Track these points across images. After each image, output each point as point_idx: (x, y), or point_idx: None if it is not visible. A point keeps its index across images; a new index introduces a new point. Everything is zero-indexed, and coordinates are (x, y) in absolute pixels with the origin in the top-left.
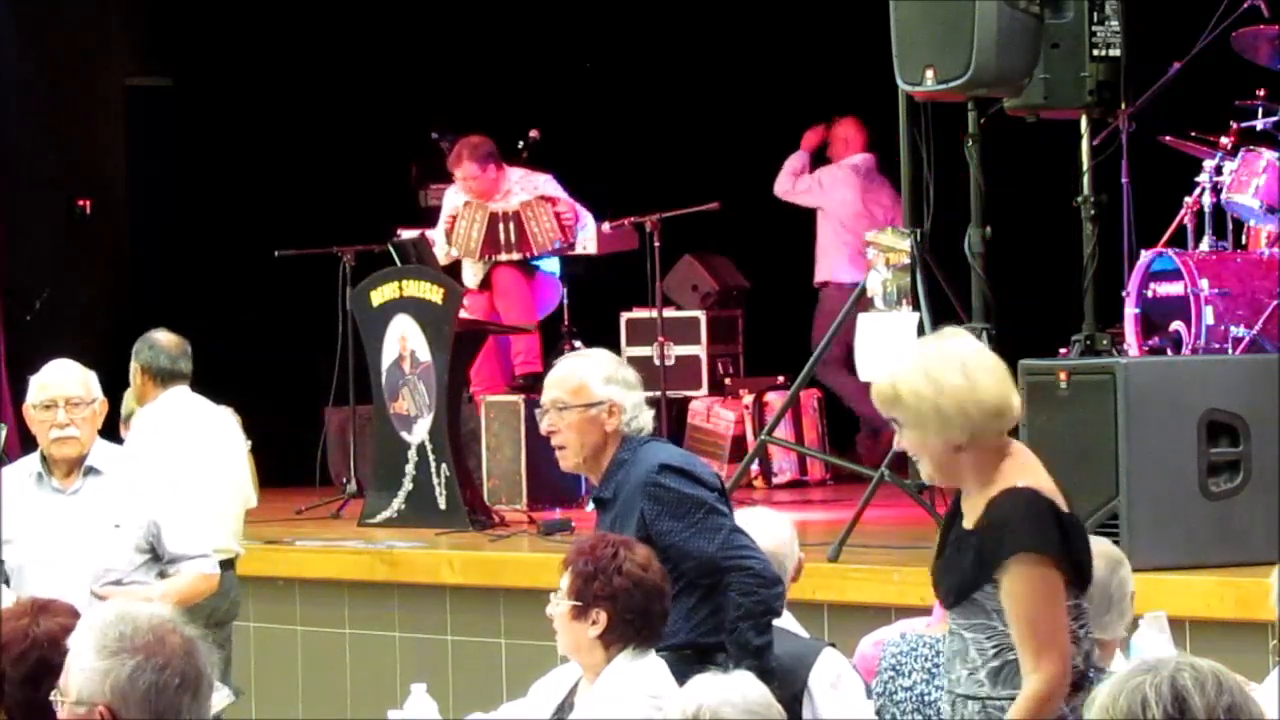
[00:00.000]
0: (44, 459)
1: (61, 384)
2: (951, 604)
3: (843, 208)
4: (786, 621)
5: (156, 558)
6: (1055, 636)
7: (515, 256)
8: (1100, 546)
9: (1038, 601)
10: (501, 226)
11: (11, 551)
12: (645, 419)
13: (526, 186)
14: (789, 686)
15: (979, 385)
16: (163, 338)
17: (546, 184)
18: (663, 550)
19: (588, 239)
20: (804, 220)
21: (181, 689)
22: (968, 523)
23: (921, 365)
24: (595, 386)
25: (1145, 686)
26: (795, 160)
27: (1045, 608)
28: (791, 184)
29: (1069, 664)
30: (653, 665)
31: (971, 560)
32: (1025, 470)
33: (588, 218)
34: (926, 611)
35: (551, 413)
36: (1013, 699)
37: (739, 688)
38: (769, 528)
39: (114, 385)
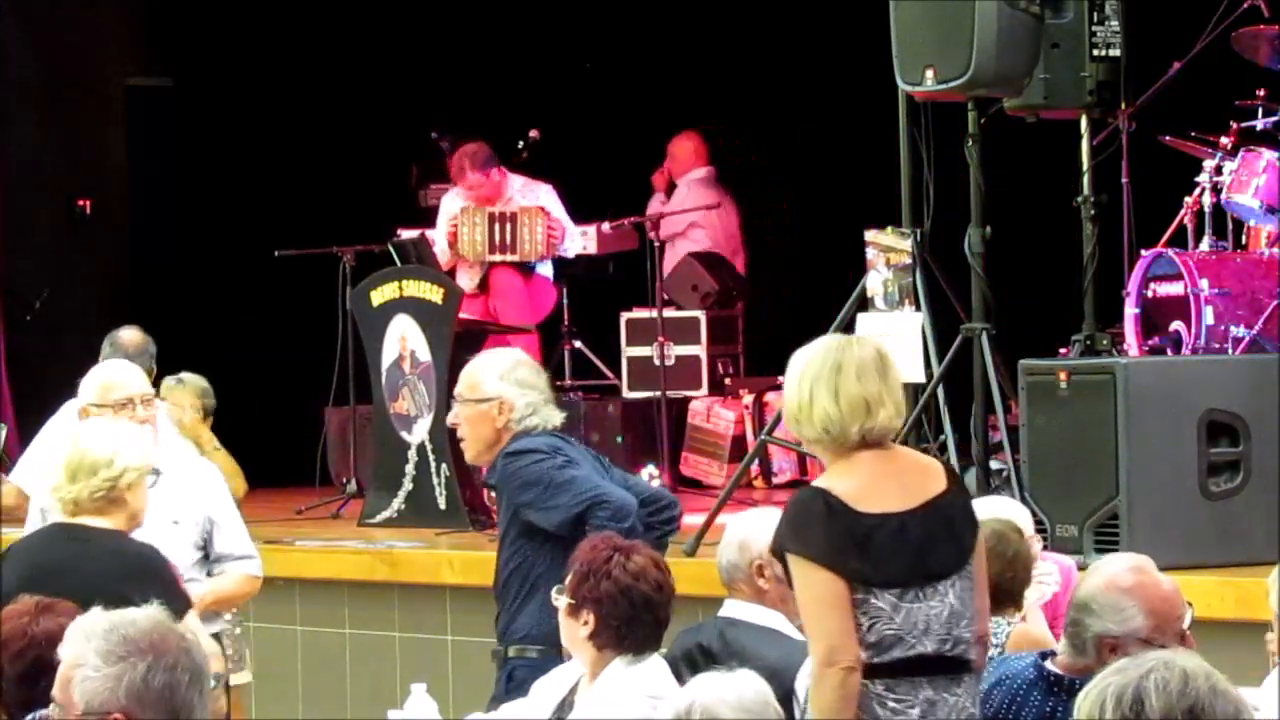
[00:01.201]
0: None
1: (133, 383)
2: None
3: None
4: (778, 622)
5: (207, 555)
6: (815, 622)
7: (509, 258)
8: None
9: (800, 592)
10: (497, 227)
11: None
12: (541, 417)
13: (528, 194)
14: (777, 688)
15: (816, 402)
16: (125, 336)
17: (547, 195)
18: (534, 526)
19: (588, 241)
20: (804, 220)
21: (191, 685)
22: None
23: (797, 364)
24: (487, 384)
25: (1109, 688)
26: (657, 204)
27: (804, 598)
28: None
29: (831, 648)
30: (653, 666)
31: None
32: (847, 471)
33: (574, 232)
34: None
35: (454, 407)
36: None
37: (736, 687)
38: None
39: None
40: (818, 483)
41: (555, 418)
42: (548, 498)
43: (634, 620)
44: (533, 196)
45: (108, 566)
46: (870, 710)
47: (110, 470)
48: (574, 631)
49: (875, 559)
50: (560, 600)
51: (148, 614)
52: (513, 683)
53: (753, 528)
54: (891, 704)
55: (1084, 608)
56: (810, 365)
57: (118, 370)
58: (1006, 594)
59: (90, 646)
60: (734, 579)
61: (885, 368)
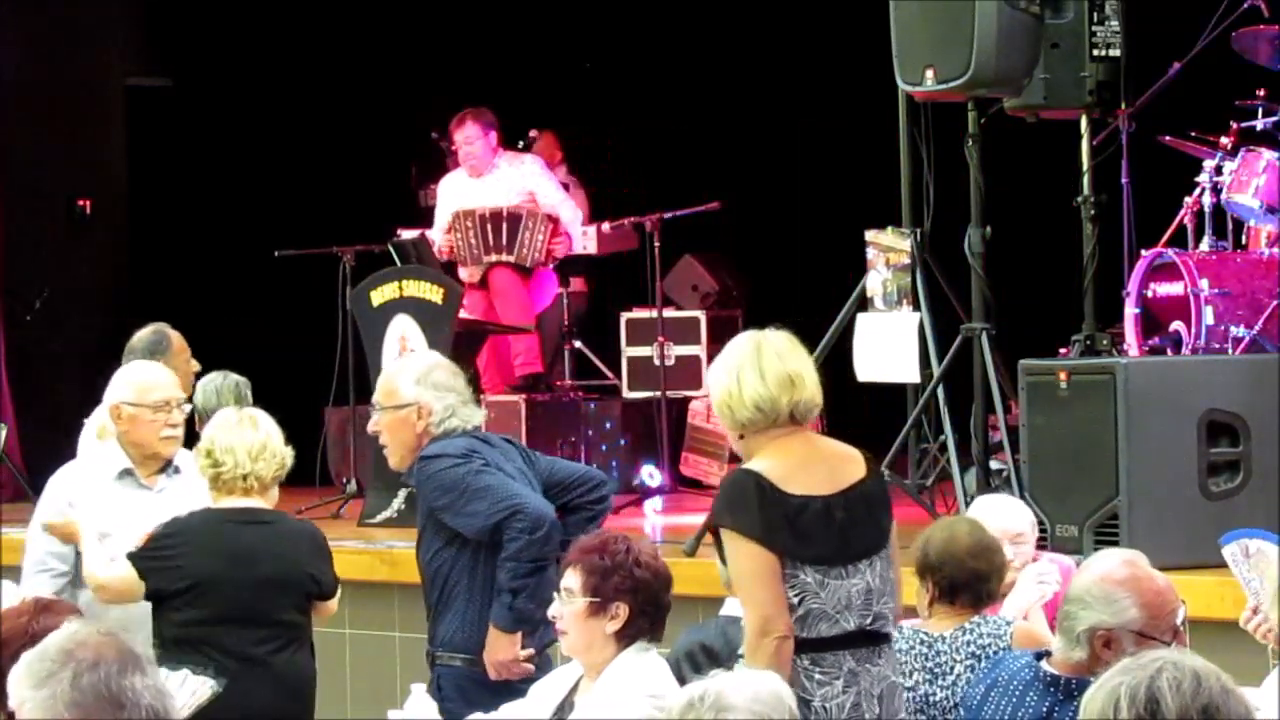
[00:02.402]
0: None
1: (171, 385)
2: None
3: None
4: None
5: None
6: (749, 595)
7: (505, 259)
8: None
9: (735, 566)
10: (491, 227)
11: (107, 546)
12: (460, 418)
13: (515, 165)
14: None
15: (745, 384)
16: (139, 336)
17: (533, 166)
18: (449, 530)
19: (588, 241)
20: (804, 220)
21: (124, 671)
22: None
23: (720, 361)
24: (404, 390)
25: (1121, 687)
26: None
27: (739, 572)
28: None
29: (766, 617)
30: (653, 665)
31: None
32: (776, 452)
33: (575, 225)
34: None
35: (373, 415)
36: None
37: (753, 681)
38: None
39: None
40: (749, 466)
41: (475, 417)
42: (463, 504)
43: (660, 603)
44: (518, 165)
45: (297, 546)
46: (799, 684)
47: (285, 451)
48: (594, 631)
49: (803, 536)
50: (572, 605)
51: (60, 630)
52: (442, 692)
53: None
54: (818, 676)
55: (1077, 600)
56: (732, 356)
57: (156, 372)
58: (986, 591)
59: (23, 684)
60: None
61: (800, 349)
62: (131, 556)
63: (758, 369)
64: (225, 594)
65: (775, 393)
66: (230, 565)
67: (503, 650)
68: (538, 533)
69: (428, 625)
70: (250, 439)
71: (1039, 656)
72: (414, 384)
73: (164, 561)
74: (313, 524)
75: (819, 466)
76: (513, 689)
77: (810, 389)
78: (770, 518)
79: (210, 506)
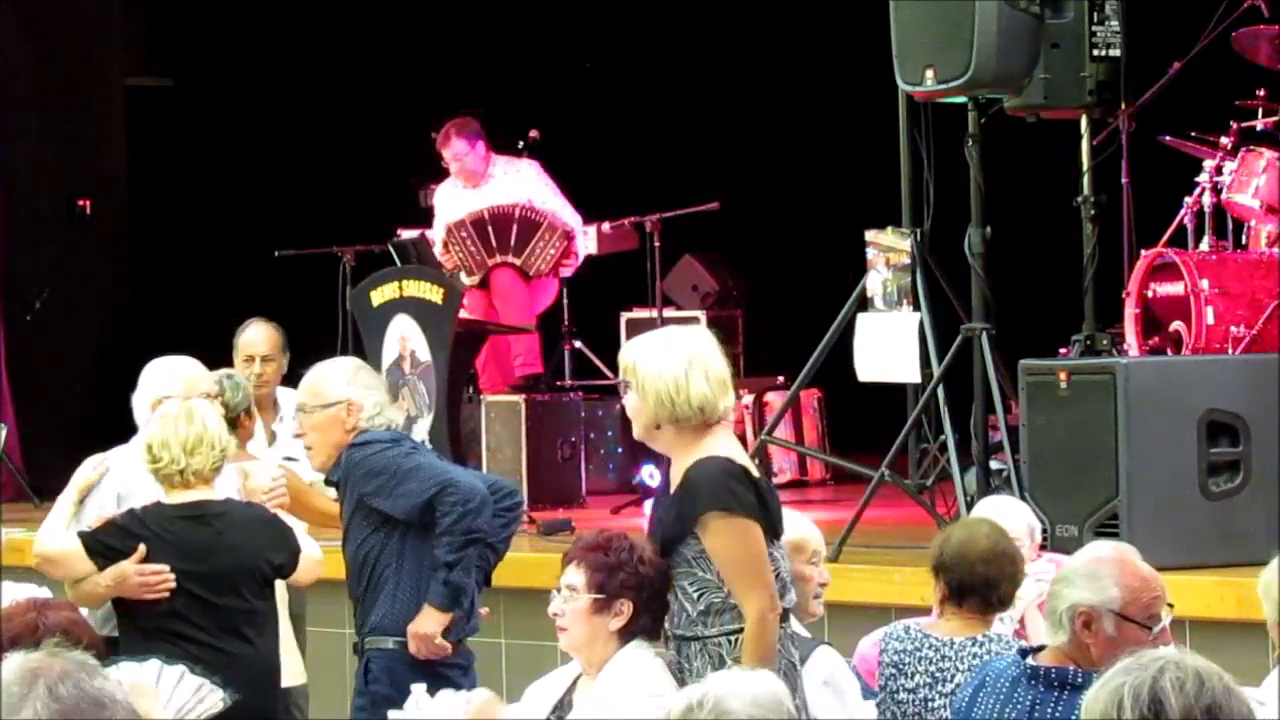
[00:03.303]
0: None
1: (208, 378)
2: (661, 554)
3: None
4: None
5: None
6: (759, 575)
7: (510, 259)
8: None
9: (736, 548)
10: (491, 229)
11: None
12: (386, 417)
13: (510, 172)
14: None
15: (692, 382)
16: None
17: (529, 171)
18: (379, 517)
19: (588, 241)
20: (804, 220)
21: (90, 675)
22: (673, 486)
23: (659, 352)
24: (334, 389)
25: (1124, 687)
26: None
27: (744, 552)
28: None
29: (774, 595)
30: (653, 664)
31: (674, 517)
32: (722, 444)
33: (577, 226)
34: (927, 611)
35: (299, 417)
36: (725, 634)
37: (751, 682)
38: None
39: (114, 384)
40: (711, 454)
41: (398, 418)
42: (394, 485)
43: (662, 598)
44: (514, 172)
45: (249, 536)
46: (786, 651)
47: (226, 440)
48: (598, 628)
49: (773, 513)
50: (576, 602)
51: (12, 662)
52: (370, 675)
53: (788, 526)
54: (788, 644)
55: (1063, 579)
56: (677, 352)
57: (192, 365)
58: (996, 597)
59: (12, 714)
60: None
61: (722, 352)
62: (84, 536)
63: (704, 370)
64: (181, 588)
65: (715, 395)
66: (182, 562)
67: (428, 624)
68: (470, 504)
69: (355, 616)
70: (185, 432)
71: (1024, 654)
72: (344, 383)
73: (115, 554)
74: (265, 508)
75: (744, 453)
76: (441, 675)
77: (732, 394)
78: (754, 498)
79: (161, 502)
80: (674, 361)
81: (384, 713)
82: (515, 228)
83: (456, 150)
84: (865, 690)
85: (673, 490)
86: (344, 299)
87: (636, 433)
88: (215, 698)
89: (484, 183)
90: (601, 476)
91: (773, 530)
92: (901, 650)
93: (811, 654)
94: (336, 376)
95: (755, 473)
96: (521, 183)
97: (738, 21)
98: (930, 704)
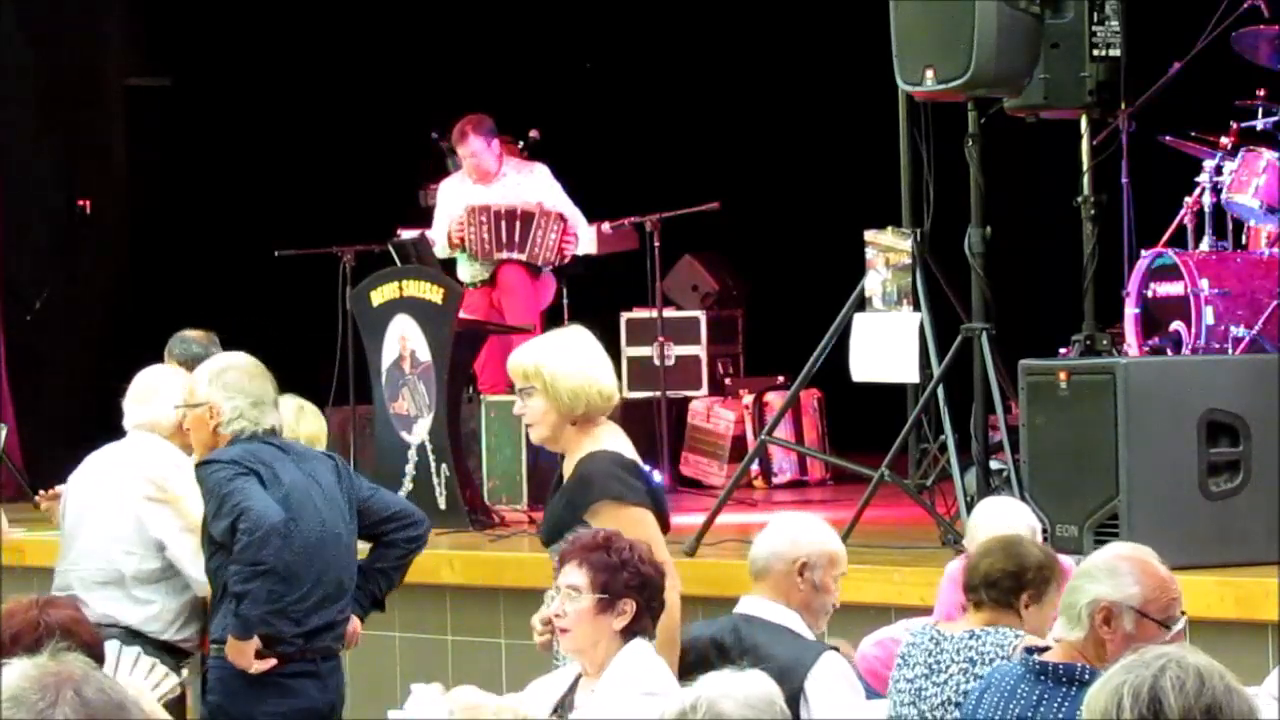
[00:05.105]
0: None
1: None
2: (547, 541)
3: None
4: (793, 622)
5: None
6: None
7: (517, 256)
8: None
9: (630, 534)
10: (504, 225)
11: None
12: (248, 420)
13: (523, 171)
14: (787, 687)
15: (601, 375)
16: (190, 332)
17: (543, 175)
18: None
19: (587, 240)
20: (804, 220)
21: (104, 676)
22: (565, 477)
23: (570, 350)
24: (199, 388)
25: (1124, 686)
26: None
27: (639, 537)
28: None
29: (677, 577)
30: (654, 662)
31: (563, 505)
32: (610, 439)
33: (582, 222)
34: (927, 611)
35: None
36: None
37: (743, 684)
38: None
39: (114, 384)
40: (601, 449)
41: (265, 420)
42: (215, 508)
43: (661, 597)
44: (528, 174)
45: None
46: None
47: None
48: (602, 628)
49: (661, 502)
50: (580, 602)
51: (12, 672)
52: (207, 685)
53: (803, 528)
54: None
55: (1084, 574)
56: (581, 347)
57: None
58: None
59: None
60: (771, 569)
61: None
62: None
63: (606, 367)
64: None
65: (612, 393)
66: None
67: (236, 654)
68: (255, 534)
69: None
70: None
71: (1030, 651)
72: (207, 383)
73: None
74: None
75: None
76: (271, 682)
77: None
78: (644, 489)
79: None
80: (579, 358)
81: None
82: (519, 225)
83: (474, 147)
84: (867, 690)
85: (565, 479)
86: (344, 299)
87: (540, 436)
88: (171, 681)
89: (495, 180)
90: None
91: (663, 524)
92: (910, 645)
93: (819, 658)
94: (204, 375)
95: (644, 467)
96: (533, 185)
97: (738, 21)
98: (923, 692)
